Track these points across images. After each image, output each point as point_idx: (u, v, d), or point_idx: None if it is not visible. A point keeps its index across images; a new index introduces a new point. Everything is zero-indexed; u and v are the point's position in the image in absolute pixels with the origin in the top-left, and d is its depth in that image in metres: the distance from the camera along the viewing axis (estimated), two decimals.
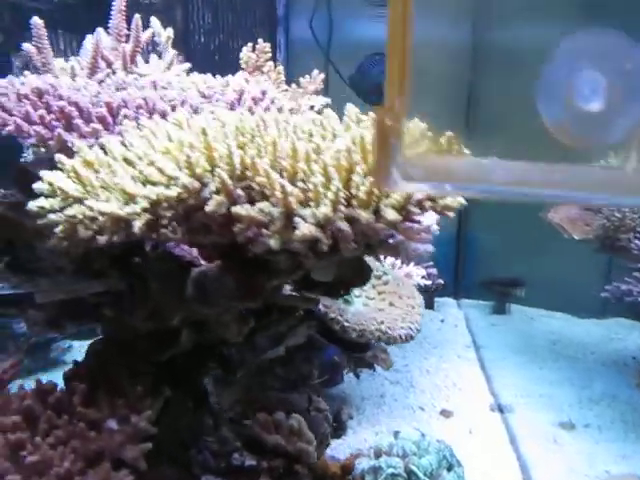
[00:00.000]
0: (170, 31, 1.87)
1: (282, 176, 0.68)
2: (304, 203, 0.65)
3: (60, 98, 0.92)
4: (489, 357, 2.60)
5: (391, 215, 0.61)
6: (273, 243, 0.67)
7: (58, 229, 0.78)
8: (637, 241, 1.94)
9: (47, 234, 0.95)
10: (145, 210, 0.71)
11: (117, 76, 1.22)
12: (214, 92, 1.03)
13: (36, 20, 1.34)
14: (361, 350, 1.33)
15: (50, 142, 0.89)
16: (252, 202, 0.69)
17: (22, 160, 1.15)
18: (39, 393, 0.96)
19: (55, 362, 2.51)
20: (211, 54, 2.88)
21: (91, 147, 0.89)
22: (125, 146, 0.81)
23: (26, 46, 1.42)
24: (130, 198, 0.71)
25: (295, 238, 0.64)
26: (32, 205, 0.80)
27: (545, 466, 1.83)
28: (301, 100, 2.04)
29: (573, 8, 2.42)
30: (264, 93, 1.08)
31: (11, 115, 0.88)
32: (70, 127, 0.90)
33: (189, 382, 1.13)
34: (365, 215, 0.62)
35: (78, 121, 0.89)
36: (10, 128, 0.89)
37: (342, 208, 0.63)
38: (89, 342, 2.65)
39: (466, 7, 3.05)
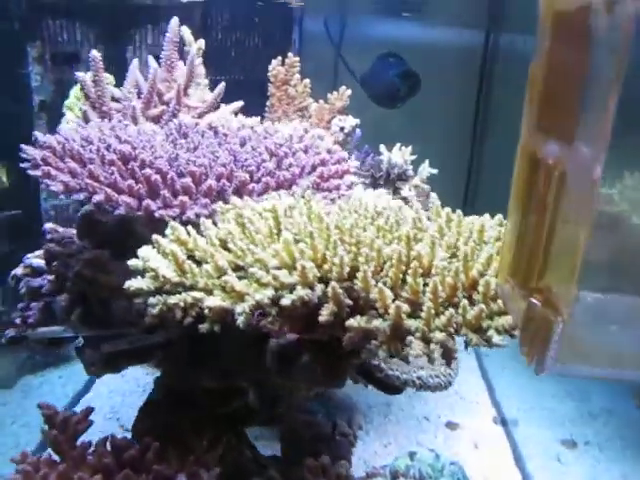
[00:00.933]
0: (201, 42, 1.86)
1: (385, 283, 0.72)
2: (411, 315, 0.69)
3: (143, 163, 0.93)
4: (489, 366, 2.68)
5: (496, 339, 0.66)
6: (381, 353, 0.71)
7: (155, 310, 0.81)
8: None
9: (122, 293, 0.98)
10: (252, 307, 0.74)
11: (177, 121, 1.22)
12: (284, 152, 1.05)
13: (95, 54, 1.34)
14: (397, 392, 1.38)
15: (138, 213, 0.91)
16: (355, 305, 0.72)
17: (84, 208, 1.16)
18: (114, 449, 0.99)
19: (66, 358, 2.53)
20: (227, 50, 2.87)
21: (175, 219, 0.92)
22: (218, 229, 0.84)
23: (81, 75, 1.42)
24: (238, 297, 0.74)
25: (405, 354, 0.68)
26: (129, 284, 0.83)
27: None
28: (327, 116, 2.05)
29: None
30: (330, 152, 1.10)
31: (100, 183, 0.89)
32: (155, 196, 0.92)
33: (238, 427, 1.17)
34: (474, 338, 0.66)
35: (164, 192, 0.91)
36: (100, 197, 0.90)
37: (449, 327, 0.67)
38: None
39: None
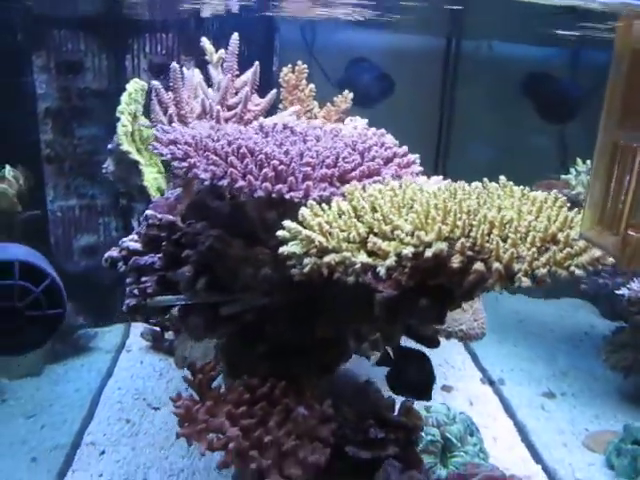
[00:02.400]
0: (222, 52, 2.07)
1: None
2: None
3: (267, 156, 1.16)
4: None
5: (578, 272, 0.94)
6: (497, 288, 0.97)
7: (306, 269, 1.05)
8: None
9: (248, 263, 1.22)
10: (392, 265, 0.99)
11: (258, 122, 1.45)
12: (362, 147, 1.30)
13: (175, 65, 1.54)
14: (433, 345, 1.65)
15: (273, 195, 1.13)
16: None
17: (197, 188, 1.36)
18: (248, 388, 1.21)
19: (83, 348, 2.70)
20: None
21: (301, 200, 1.15)
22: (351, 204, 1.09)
23: (155, 84, 1.62)
24: (384, 254, 0.99)
25: (515, 284, 0.95)
26: (283, 250, 1.06)
27: (540, 431, 2.24)
28: (335, 117, 2.30)
29: None
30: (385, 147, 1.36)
31: (244, 174, 1.12)
32: (281, 182, 1.15)
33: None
34: (563, 272, 0.94)
35: (291, 178, 1.14)
36: (241, 184, 1.12)
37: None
38: (109, 329, 2.83)
39: None
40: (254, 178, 1.14)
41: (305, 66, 2.32)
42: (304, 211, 1.08)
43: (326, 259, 1.03)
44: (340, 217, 1.09)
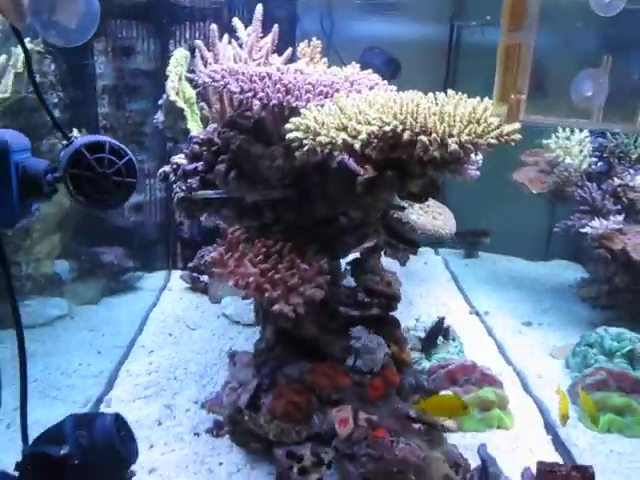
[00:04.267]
0: (250, 29, 2.54)
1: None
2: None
3: (280, 79, 1.62)
4: (466, 286, 3.42)
5: (492, 141, 1.37)
6: (437, 154, 1.41)
7: (305, 148, 1.49)
8: (579, 191, 2.80)
9: (265, 158, 1.68)
10: (364, 139, 1.43)
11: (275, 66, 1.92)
12: (354, 80, 1.76)
13: (213, 26, 2.02)
14: (415, 247, 2.08)
15: (284, 104, 1.59)
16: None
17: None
18: (264, 246, 1.66)
19: (132, 287, 3.19)
20: None
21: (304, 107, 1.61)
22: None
23: (198, 42, 2.09)
24: (357, 133, 1.43)
25: (448, 151, 1.38)
26: (291, 135, 1.51)
27: (514, 347, 2.65)
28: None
29: None
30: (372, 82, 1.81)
31: (258, 89, 1.58)
32: (289, 94, 1.61)
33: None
34: (480, 141, 1.37)
35: (296, 92, 1.60)
36: (261, 95, 1.58)
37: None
38: (155, 274, 3.30)
39: None
40: (270, 92, 1.61)
41: (319, 42, 2.77)
42: (304, 110, 1.54)
43: (319, 138, 1.48)
44: (329, 114, 1.54)
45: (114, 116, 3.28)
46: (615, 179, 2.79)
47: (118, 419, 1.47)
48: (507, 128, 1.40)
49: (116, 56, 3.24)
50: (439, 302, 3.16)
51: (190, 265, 3.25)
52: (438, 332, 2.25)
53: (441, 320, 2.32)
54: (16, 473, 1.36)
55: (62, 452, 1.37)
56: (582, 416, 2.14)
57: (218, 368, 2.38)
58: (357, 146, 1.44)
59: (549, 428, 2.08)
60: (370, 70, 1.93)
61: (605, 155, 2.87)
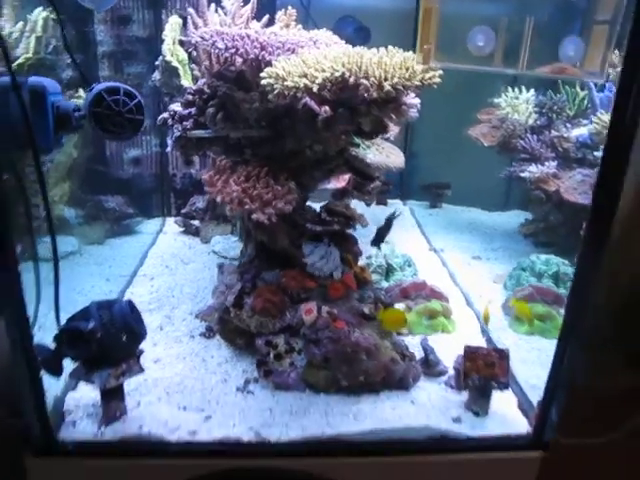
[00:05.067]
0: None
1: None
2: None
3: (256, 38, 2.03)
4: (428, 231, 3.85)
5: (417, 83, 1.78)
6: (375, 94, 1.82)
7: (276, 91, 1.91)
8: (520, 141, 3.24)
9: (245, 102, 2.09)
10: (320, 83, 1.85)
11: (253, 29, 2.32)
12: (316, 40, 2.17)
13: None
14: (370, 180, 2.50)
15: (259, 58, 2.01)
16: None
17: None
18: (245, 170, 2.09)
19: (132, 230, 3.60)
20: None
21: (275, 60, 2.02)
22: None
23: (190, 10, 2.49)
24: (314, 78, 1.85)
25: (384, 91, 1.80)
26: (265, 82, 1.92)
27: (463, 275, 3.10)
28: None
29: None
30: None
31: (239, 46, 1.99)
32: (264, 50, 2.02)
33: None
34: (407, 83, 1.79)
35: (270, 48, 2.01)
36: (242, 50, 1.99)
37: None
38: (152, 220, 3.71)
39: None
40: (249, 49, 2.02)
41: (294, 10, 3.15)
42: (275, 62, 1.96)
43: (285, 83, 1.89)
44: (295, 65, 1.96)
45: (113, 78, 3.66)
46: (552, 131, 3.23)
47: (131, 304, 1.91)
48: (429, 74, 1.83)
49: (114, 24, 3.62)
50: (401, 240, 3.59)
51: (183, 212, 3.67)
52: (388, 228, 2.38)
53: (390, 218, 2.39)
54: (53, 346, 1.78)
55: (89, 326, 1.81)
56: (512, 323, 2.60)
57: (208, 290, 2.80)
58: (315, 89, 1.86)
59: (484, 333, 2.53)
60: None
61: (544, 111, 3.31)
